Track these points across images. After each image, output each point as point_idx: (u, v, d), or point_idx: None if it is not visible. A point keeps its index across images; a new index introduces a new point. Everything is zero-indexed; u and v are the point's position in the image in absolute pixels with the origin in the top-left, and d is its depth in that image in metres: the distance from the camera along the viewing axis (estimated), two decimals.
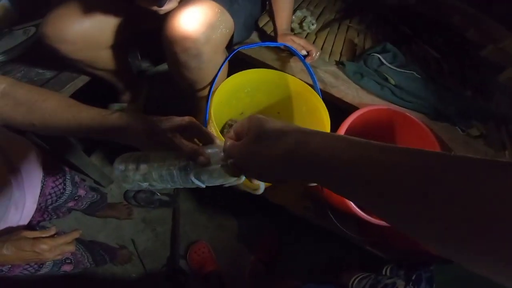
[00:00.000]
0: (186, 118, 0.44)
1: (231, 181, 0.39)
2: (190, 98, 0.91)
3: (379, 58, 0.91)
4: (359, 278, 1.02)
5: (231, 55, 0.81)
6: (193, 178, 0.40)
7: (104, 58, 0.85)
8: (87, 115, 0.45)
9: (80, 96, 0.96)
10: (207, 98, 0.78)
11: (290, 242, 1.26)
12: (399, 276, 0.98)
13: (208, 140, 0.44)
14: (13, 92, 0.45)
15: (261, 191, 0.50)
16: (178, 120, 0.44)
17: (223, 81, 0.81)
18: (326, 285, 1.02)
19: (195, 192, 1.28)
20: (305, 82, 0.83)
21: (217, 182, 0.40)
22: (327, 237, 1.13)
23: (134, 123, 0.44)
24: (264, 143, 0.30)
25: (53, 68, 0.82)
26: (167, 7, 0.65)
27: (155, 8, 0.63)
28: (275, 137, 0.29)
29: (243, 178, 0.38)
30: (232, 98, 0.91)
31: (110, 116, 0.45)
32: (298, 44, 0.87)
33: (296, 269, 1.22)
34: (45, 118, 0.45)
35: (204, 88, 0.84)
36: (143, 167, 0.43)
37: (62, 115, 0.45)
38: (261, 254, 1.20)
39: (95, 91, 1.00)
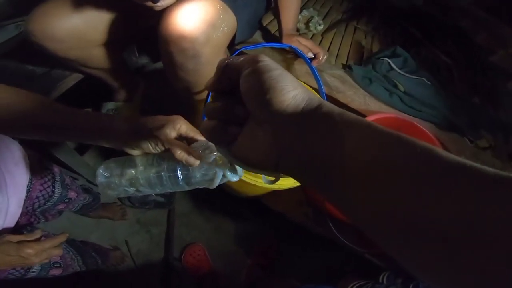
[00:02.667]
0: (174, 117, 0.42)
1: (222, 177, 0.37)
2: (187, 100, 0.85)
3: (388, 63, 0.85)
4: (356, 286, 1.00)
5: (234, 54, 0.75)
6: (181, 178, 0.38)
7: (97, 56, 0.79)
8: (67, 117, 0.42)
9: (73, 94, 0.92)
10: (204, 102, 0.72)
11: (288, 247, 1.22)
12: (396, 284, 0.95)
13: (196, 139, 0.42)
14: None
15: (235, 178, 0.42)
16: (165, 119, 0.41)
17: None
18: (325, 285, 1.00)
19: (192, 193, 1.23)
20: (309, 86, 0.77)
21: (206, 184, 0.38)
22: (326, 244, 1.08)
23: (116, 124, 0.41)
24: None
25: (45, 65, 0.78)
26: (163, 3, 0.58)
27: (149, 3, 0.57)
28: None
29: (236, 176, 0.36)
30: None
31: (91, 117, 0.42)
32: (305, 46, 0.81)
33: (293, 275, 1.18)
34: (23, 121, 0.42)
35: (201, 91, 0.78)
36: (129, 171, 0.41)
37: (41, 119, 0.42)
38: (258, 258, 1.16)
39: (88, 90, 0.95)
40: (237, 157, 0.25)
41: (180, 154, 0.38)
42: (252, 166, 0.24)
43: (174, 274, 1.10)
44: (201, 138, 0.42)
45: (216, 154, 0.38)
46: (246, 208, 1.23)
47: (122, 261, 1.08)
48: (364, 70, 0.86)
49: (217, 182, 0.37)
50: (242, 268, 1.15)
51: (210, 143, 0.38)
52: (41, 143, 0.89)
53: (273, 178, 0.26)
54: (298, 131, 0.21)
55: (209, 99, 0.74)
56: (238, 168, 0.38)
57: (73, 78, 0.82)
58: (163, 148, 0.41)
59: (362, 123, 0.20)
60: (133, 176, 0.41)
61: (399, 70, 0.86)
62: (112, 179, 0.42)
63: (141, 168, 0.41)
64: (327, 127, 0.20)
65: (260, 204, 1.03)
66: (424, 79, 0.88)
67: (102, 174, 0.42)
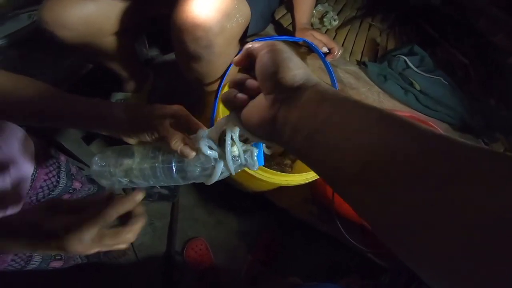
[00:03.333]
0: (174, 107, 0.41)
1: (220, 173, 0.35)
2: (197, 92, 0.83)
3: (405, 60, 0.83)
4: (358, 285, 0.99)
5: (256, 40, 0.73)
6: (175, 171, 0.37)
7: (108, 45, 0.77)
8: (66, 103, 0.42)
9: (83, 84, 0.91)
10: (216, 93, 0.70)
11: (291, 244, 1.20)
12: (398, 285, 0.93)
13: (195, 129, 0.40)
14: None
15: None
16: (165, 108, 0.41)
17: (234, 75, 0.73)
18: (327, 283, 0.99)
19: (196, 186, 1.22)
20: (323, 81, 0.75)
21: (203, 179, 0.36)
22: (329, 242, 1.08)
23: (116, 112, 0.41)
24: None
25: (56, 54, 0.78)
26: None
27: None
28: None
29: (231, 171, 0.34)
30: None
31: (91, 104, 0.42)
32: (320, 40, 0.78)
33: (294, 272, 1.15)
34: (23, 107, 0.42)
35: (213, 82, 0.76)
36: (125, 161, 0.40)
37: (41, 105, 0.42)
38: (259, 254, 1.15)
39: (98, 79, 0.94)
40: (243, 120, 0.29)
41: (175, 144, 0.37)
42: (252, 128, 0.28)
43: (176, 268, 1.09)
44: (199, 126, 0.41)
45: (214, 150, 0.35)
46: (250, 203, 1.21)
47: (124, 254, 1.07)
48: (379, 67, 0.83)
49: (215, 178, 0.35)
50: (243, 263, 1.14)
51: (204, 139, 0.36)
52: (48, 131, 0.88)
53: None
54: (292, 100, 0.24)
55: (220, 92, 0.72)
56: (233, 165, 0.35)
57: (84, 67, 0.82)
58: (161, 135, 0.39)
59: (349, 99, 0.23)
60: (128, 166, 0.39)
61: (415, 69, 0.83)
62: (106, 168, 0.40)
63: (137, 159, 0.39)
64: (317, 100, 0.23)
65: (264, 200, 1.01)
66: (441, 78, 0.85)
67: (97, 162, 0.41)
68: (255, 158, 0.35)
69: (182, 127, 0.41)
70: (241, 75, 0.31)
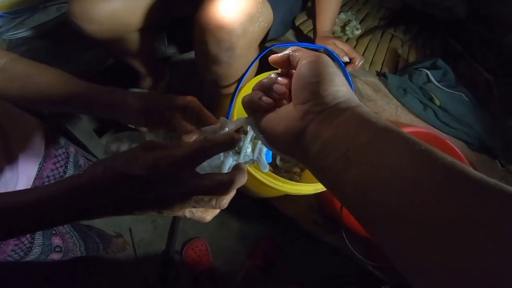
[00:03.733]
0: (188, 98, 0.40)
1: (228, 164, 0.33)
2: (212, 93, 0.82)
3: (427, 74, 0.80)
4: None
5: (265, 52, 0.71)
6: None
7: (131, 41, 0.79)
8: (81, 90, 0.43)
9: (101, 77, 0.91)
10: (232, 96, 0.69)
11: (290, 252, 1.18)
12: None
13: (208, 123, 0.40)
14: (12, 67, 0.44)
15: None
16: (178, 98, 0.40)
17: (251, 79, 0.71)
18: None
19: None
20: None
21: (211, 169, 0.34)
22: (328, 253, 1.08)
23: (130, 101, 0.41)
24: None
25: (79, 47, 0.80)
26: None
27: None
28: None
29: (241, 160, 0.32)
30: None
31: (105, 92, 0.42)
32: (341, 49, 0.76)
33: (292, 280, 1.15)
34: (38, 93, 0.43)
35: (229, 85, 0.75)
36: None
37: (56, 90, 0.43)
38: (257, 259, 1.13)
39: (116, 74, 0.95)
40: (263, 127, 0.27)
41: (186, 138, 0.37)
42: (273, 138, 0.27)
43: (173, 268, 1.08)
44: (213, 122, 0.41)
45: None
46: (254, 207, 1.20)
47: (123, 249, 1.06)
48: (399, 80, 0.80)
49: (226, 168, 0.33)
50: (241, 267, 1.12)
51: (224, 128, 0.34)
52: (60, 121, 0.89)
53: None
54: (329, 115, 0.23)
55: (236, 95, 0.70)
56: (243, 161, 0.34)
57: (104, 61, 0.84)
58: (173, 128, 0.40)
59: (392, 128, 0.21)
60: None
61: (437, 83, 0.79)
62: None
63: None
64: (358, 121, 0.21)
65: (269, 206, 1.00)
66: (463, 94, 0.82)
67: (109, 147, 0.42)
68: (265, 159, 0.34)
69: (193, 119, 0.41)
70: (270, 78, 0.29)
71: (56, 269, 0.95)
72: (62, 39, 0.80)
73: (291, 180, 0.90)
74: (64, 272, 0.99)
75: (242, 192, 1.02)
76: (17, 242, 0.58)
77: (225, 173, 0.30)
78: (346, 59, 0.77)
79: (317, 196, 0.96)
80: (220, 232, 1.18)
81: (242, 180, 0.29)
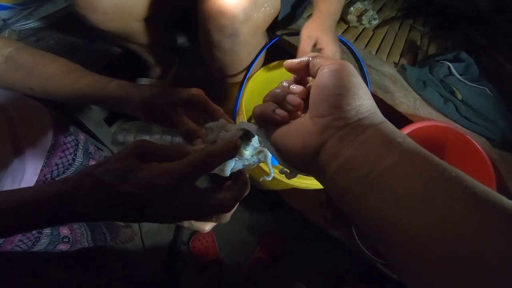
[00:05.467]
0: (192, 91, 0.38)
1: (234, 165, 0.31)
2: (220, 83, 0.79)
3: (449, 67, 0.74)
4: None
5: (273, 41, 0.68)
6: None
7: (137, 30, 0.76)
8: (85, 81, 0.42)
9: (109, 67, 0.89)
10: (240, 85, 0.65)
11: (296, 245, 1.15)
12: None
13: (213, 117, 0.38)
14: (17, 56, 0.43)
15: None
16: (181, 92, 0.38)
17: (259, 69, 0.68)
18: None
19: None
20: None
21: (216, 170, 0.32)
22: (335, 248, 1.04)
23: (131, 94, 0.40)
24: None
25: (86, 38, 0.79)
26: None
27: None
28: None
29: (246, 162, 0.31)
30: (265, 89, 0.77)
31: (108, 84, 0.41)
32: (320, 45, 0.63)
33: (297, 274, 1.12)
34: (43, 82, 0.43)
35: (236, 74, 0.71)
36: (143, 138, 0.40)
37: (60, 81, 0.42)
38: (263, 252, 1.11)
39: (124, 64, 0.93)
40: (275, 141, 0.25)
41: (187, 134, 0.36)
42: (286, 153, 0.25)
43: (179, 258, 1.07)
44: (220, 115, 0.39)
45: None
46: (261, 199, 1.17)
47: (131, 239, 1.05)
48: (419, 72, 0.75)
49: (228, 170, 0.32)
50: (247, 260, 1.10)
51: (228, 124, 0.33)
52: (70, 109, 0.88)
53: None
54: (350, 132, 0.21)
55: (244, 85, 0.67)
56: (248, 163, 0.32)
57: (112, 51, 0.82)
58: (174, 124, 0.39)
59: (420, 150, 0.19)
60: None
61: (459, 76, 0.74)
62: (126, 144, 0.40)
63: (156, 136, 0.39)
64: (383, 141, 0.20)
65: (277, 198, 0.98)
66: (486, 89, 0.76)
67: (115, 138, 0.41)
68: (271, 165, 0.32)
69: (199, 112, 0.39)
70: (282, 87, 0.26)
71: (64, 259, 0.94)
72: (71, 29, 0.79)
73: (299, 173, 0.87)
74: (71, 262, 0.99)
75: (250, 183, 1.00)
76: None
77: (227, 189, 0.28)
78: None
79: (326, 191, 0.93)
80: (227, 224, 1.14)
81: (245, 193, 0.28)
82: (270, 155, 0.31)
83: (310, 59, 0.24)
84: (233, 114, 0.67)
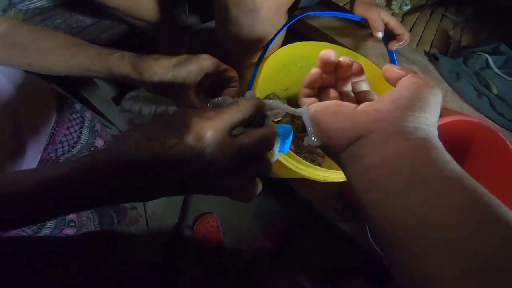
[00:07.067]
0: (203, 65, 0.38)
1: None
2: (234, 65, 0.72)
3: (486, 59, 0.66)
4: None
5: (297, 18, 0.60)
6: None
7: (145, 7, 0.70)
8: (86, 54, 0.40)
9: (118, 47, 0.85)
10: (255, 66, 0.59)
11: (301, 236, 1.11)
12: None
13: (229, 78, 0.40)
14: (13, 33, 0.41)
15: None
16: (193, 67, 0.37)
17: (277, 49, 0.61)
18: None
19: None
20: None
21: None
22: (340, 241, 1.01)
23: (137, 67, 0.38)
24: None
25: (94, 16, 0.76)
26: None
27: None
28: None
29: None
30: (281, 71, 0.70)
31: (111, 56, 0.39)
32: (386, 22, 0.62)
33: (297, 265, 1.08)
34: (42, 57, 0.41)
35: (252, 55, 0.65)
36: (153, 107, 0.40)
37: (60, 55, 0.40)
38: (266, 240, 1.08)
39: (134, 44, 0.88)
40: (317, 116, 0.25)
41: None
42: (325, 131, 0.24)
43: (181, 242, 1.05)
44: (233, 74, 0.39)
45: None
46: (269, 186, 1.12)
47: (136, 222, 1.03)
48: (452, 63, 0.67)
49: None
50: (250, 248, 1.07)
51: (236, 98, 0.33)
52: (77, 87, 0.83)
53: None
54: (400, 132, 0.20)
55: (260, 65, 0.60)
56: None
57: (120, 29, 0.79)
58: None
59: (465, 177, 0.18)
60: (158, 112, 0.40)
61: (496, 70, 0.66)
62: (132, 115, 0.41)
63: (162, 106, 0.39)
64: (428, 152, 0.19)
65: (286, 186, 0.94)
66: None
67: (123, 105, 0.41)
68: (277, 150, 0.31)
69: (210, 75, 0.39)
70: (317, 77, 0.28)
71: (68, 241, 0.92)
72: (78, 8, 0.75)
73: (313, 161, 0.81)
74: (74, 244, 0.97)
75: None
76: None
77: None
78: (380, 35, 0.62)
79: (338, 183, 0.88)
80: (233, 209, 1.12)
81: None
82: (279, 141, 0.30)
83: (404, 71, 0.24)
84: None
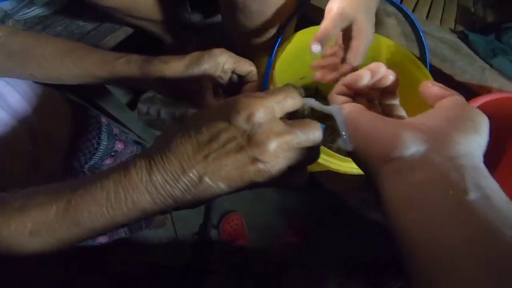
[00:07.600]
0: (219, 60, 0.35)
1: None
2: (243, 57, 0.68)
3: None
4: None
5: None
6: None
7: (142, 5, 0.67)
8: (89, 60, 0.37)
9: (121, 50, 0.82)
10: (269, 54, 0.55)
11: (323, 230, 1.08)
12: None
13: (245, 69, 0.36)
14: (9, 41, 0.38)
15: None
16: (208, 65, 0.34)
17: (289, 37, 0.57)
18: None
19: None
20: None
21: None
22: (361, 236, 0.97)
23: (145, 71, 0.35)
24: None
25: (95, 20, 0.74)
26: None
27: None
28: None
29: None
30: (296, 60, 0.63)
31: (117, 62, 0.36)
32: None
33: (318, 260, 1.05)
34: (43, 66, 0.38)
35: (262, 43, 0.60)
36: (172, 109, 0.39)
37: (62, 62, 0.37)
38: (292, 235, 1.07)
39: (138, 45, 0.84)
40: (353, 118, 0.23)
41: None
42: (361, 136, 0.23)
43: (207, 243, 1.04)
44: (250, 65, 0.36)
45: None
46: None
47: (163, 224, 1.03)
48: (485, 40, 0.63)
49: None
50: (275, 244, 1.06)
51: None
52: (90, 95, 0.82)
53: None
54: (443, 149, 0.19)
55: (274, 54, 0.55)
56: None
57: (123, 32, 0.76)
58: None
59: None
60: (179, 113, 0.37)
61: None
62: (151, 118, 0.39)
63: (181, 109, 0.38)
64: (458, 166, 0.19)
65: (313, 179, 0.89)
66: None
67: (140, 108, 0.41)
68: None
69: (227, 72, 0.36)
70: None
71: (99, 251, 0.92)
72: (78, 13, 0.73)
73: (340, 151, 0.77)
74: (105, 253, 0.96)
75: None
76: None
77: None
78: (315, 48, 0.44)
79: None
80: (256, 205, 1.11)
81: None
82: None
83: (447, 92, 0.23)
84: (261, 89, 0.57)
